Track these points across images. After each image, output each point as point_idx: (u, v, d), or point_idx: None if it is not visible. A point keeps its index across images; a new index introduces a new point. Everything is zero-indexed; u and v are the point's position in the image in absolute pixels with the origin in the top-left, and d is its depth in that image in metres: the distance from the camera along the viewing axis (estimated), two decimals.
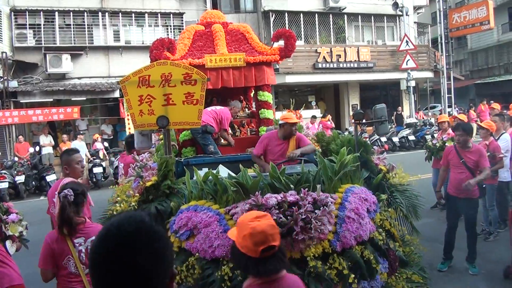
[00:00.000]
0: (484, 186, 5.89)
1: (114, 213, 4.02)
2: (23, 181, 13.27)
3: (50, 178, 13.62)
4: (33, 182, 13.97)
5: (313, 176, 3.97)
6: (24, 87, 16.99)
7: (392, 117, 21.57)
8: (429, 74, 24.82)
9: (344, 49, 21.99)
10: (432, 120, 23.03)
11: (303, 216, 3.56)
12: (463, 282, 5.54)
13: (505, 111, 12.06)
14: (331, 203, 3.79)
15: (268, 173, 4.17)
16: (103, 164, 14.73)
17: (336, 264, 3.65)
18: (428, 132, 19.28)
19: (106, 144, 16.59)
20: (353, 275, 3.65)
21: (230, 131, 7.73)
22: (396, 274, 4.19)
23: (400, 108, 22.25)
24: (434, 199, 8.49)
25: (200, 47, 7.48)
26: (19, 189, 13.30)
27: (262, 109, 7.42)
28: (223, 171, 5.01)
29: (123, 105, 17.39)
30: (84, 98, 17.66)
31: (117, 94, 17.31)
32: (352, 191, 4.09)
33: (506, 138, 7.06)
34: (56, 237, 3.45)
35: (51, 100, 17.36)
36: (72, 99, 17.45)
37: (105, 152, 16.06)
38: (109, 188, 14.15)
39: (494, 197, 6.79)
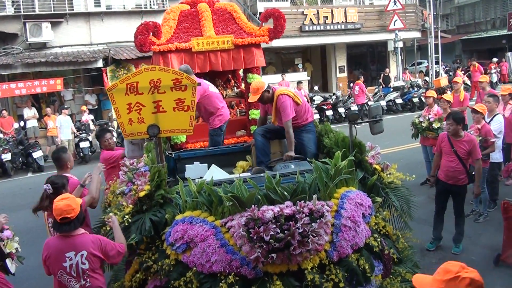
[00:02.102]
0: (473, 173, 5.97)
1: (108, 228, 3.95)
2: (10, 159, 13.08)
3: (37, 154, 13.44)
4: (20, 159, 13.75)
5: (308, 185, 3.92)
6: (5, 58, 16.47)
7: (380, 80, 21.48)
8: (417, 34, 24.61)
9: (331, 10, 21.61)
10: (419, 81, 22.99)
11: (300, 230, 3.54)
12: None
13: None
14: (327, 212, 3.77)
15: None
16: (90, 138, 14.54)
17: (333, 275, 3.67)
18: (415, 95, 19.29)
19: (91, 116, 16.31)
20: None
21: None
22: (391, 276, 4.23)
23: (387, 69, 22.08)
24: (423, 173, 8.58)
25: (186, 28, 7.24)
26: (5, 167, 13.12)
27: None
28: (217, 173, 4.94)
29: (106, 75, 17.04)
30: (67, 69, 17.21)
31: (100, 64, 16.89)
32: (347, 196, 4.06)
33: (499, 119, 7.07)
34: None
35: (33, 70, 16.89)
36: (55, 69, 17.01)
37: (93, 124, 15.84)
38: (97, 163, 14.17)
39: (485, 179, 6.85)
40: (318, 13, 21.33)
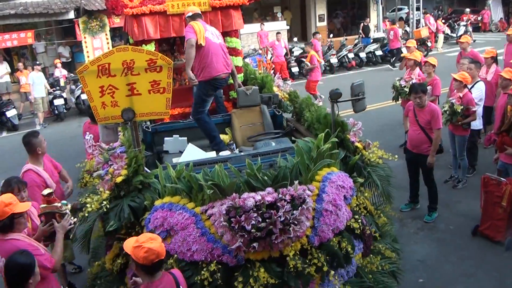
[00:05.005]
0: (441, 143, 6.09)
1: (86, 214, 3.85)
2: None
3: (10, 113, 13.12)
4: None
5: (290, 170, 3.84)
6: None
7: (360, 30, 21.13)
8: None
9: None
10: (400, 31, 22.66)
11: (282, 219, 3.50)
12: (432, 239, 5.74)
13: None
14: (309, 197, 3.73)
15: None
16: (64, 94, 14.13)
17: (315, 260, 3.68)
18: None
19: (65, 71, 15.77)
20: (333, 272, 3.71)
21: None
22: (371, 255, 4.27)
23: (368, 19, 21.68)
24: (402, 134, 8.59)
25: None
26: None
27: (231, 56, 7.04)
28: (195, 152, 4.82)
29: (79, 27, 16.35)
30: (38, 21, 16.46)
31: (71, 15, 16.17)
32: (329, 179, 4.00)
33: (480, 87, 7.02)
34: None
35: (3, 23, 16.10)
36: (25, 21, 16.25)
37: (66, 78, 15.36)
38: (72, 120, 13.85)
39: (465, 147, 6.87)
40: None
